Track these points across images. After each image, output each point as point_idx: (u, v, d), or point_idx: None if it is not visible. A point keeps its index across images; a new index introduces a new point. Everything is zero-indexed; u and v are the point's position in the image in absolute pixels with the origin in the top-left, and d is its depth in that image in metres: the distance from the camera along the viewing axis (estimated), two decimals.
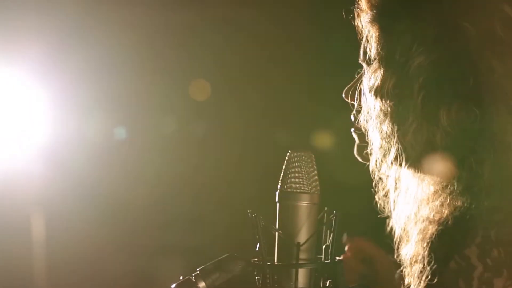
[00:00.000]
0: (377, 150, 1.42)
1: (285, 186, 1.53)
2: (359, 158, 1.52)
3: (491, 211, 1.29)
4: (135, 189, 3.54)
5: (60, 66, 3.48)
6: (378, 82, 1.40)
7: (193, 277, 1.51)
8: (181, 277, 1.53)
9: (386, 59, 1.40)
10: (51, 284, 3.53)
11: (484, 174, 1.33)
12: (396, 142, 1.38)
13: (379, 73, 1.40)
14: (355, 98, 1.50)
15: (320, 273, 1.51)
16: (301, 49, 3.39)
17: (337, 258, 1.52)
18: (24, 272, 3.48)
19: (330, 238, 1.53)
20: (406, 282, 1.39)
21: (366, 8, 1.45)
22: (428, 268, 1.29)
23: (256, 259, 1.52)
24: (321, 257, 1.53)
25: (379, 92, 1.39)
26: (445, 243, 1.29)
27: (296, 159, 1.54)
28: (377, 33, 1.42)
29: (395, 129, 1.38)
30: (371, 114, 1.42)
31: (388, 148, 1.40)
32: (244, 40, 3.40)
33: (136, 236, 3.56)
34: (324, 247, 1.53)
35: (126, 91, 3.55)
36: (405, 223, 1.45)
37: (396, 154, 1.39)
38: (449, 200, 1.34)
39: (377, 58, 1.42)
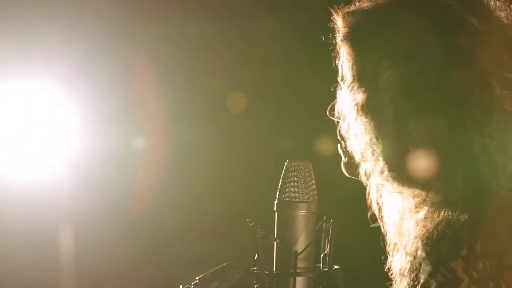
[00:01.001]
0: (359, 163, 1.43)
1: (283, 196, 1.55)
2: (346, 174, 1.53)
3: (473, 224, 1.30)
4: (163, 201, 3.56)
5: (87, 79, 3.51)
6: (354, 98, 1.42)
7: (192, 286, 1.53)
8: (180, 286, 1.55)
9: (358, 75, 1.42)
10: None
11: (457, 185, 1.33)
12: (374, 155, 1.39)
13: (354, 89, 1.42)
14: (339, 115, 1.51)
15: (318, 282, 1.52)
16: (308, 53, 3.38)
17: (335, 266, 1.53)
18: (52, 285, 3.52)
19: (328, 246, 1.54)
20: None
21: (340, 27, 1.47)
22: (415, 282, 1.30)
23: (254, 267, 1.54)
24: (320, 266, 1.54)
25: (356, 107, 1.42)
26: (431, 257, 1.29)
27: (293, 168, 1.56)
28: (349, 51, 1.45)
29: (372, 143, 1.39)
30: (351, 129, 1.43)
31: (368, 161, 1.41)
32: (263, 50, 3.41)
33: (165, 247, 3.58)
34: (322, 255, 1.54)
35: (155, 103, 3.57)
36: (392, 235, 1.46)
37: (375, 167, 1.40)
38: (431, 213, 1.34)
39: (350, 74, 1.44)
